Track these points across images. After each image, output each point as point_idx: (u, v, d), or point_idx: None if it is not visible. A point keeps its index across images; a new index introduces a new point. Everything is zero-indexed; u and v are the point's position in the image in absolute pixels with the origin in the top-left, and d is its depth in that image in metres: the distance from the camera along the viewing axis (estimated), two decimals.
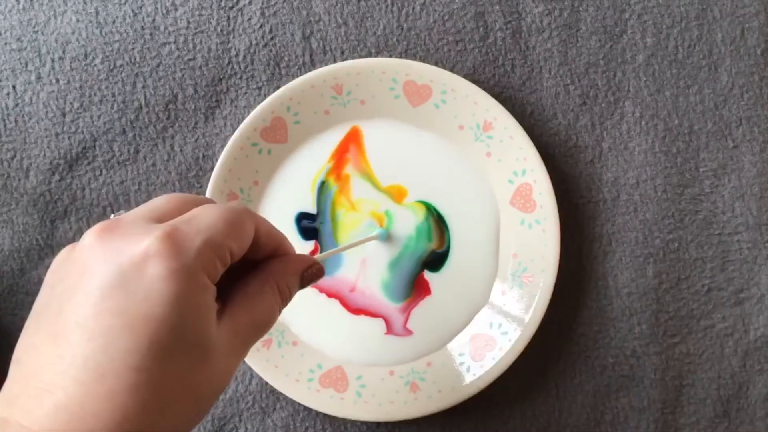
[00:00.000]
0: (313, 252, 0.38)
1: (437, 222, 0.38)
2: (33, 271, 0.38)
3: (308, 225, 0.38)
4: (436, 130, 0.38)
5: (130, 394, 0.19)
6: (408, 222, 0.38)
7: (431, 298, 0.38)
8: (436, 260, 0.38)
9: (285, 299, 0.26)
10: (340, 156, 0.38)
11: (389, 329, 0.38)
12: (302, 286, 0.27)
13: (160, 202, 0.24)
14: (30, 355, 0.21)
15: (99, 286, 0.20)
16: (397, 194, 0.38)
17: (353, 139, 0.38)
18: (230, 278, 0.25)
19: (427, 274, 0.38)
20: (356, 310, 0.38)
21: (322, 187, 0.38)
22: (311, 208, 0.38)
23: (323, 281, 0.38)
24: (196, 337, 0.21)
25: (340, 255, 0.38)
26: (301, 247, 0.38)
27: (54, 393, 0.19)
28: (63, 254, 0.23)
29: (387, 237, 0.38)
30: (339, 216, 0.38)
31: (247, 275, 0.25)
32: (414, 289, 0.38)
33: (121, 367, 0.19)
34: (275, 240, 0.26)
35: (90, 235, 0.22)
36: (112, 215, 0.26)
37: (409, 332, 0.38)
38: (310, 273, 0.27)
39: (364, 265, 0.38)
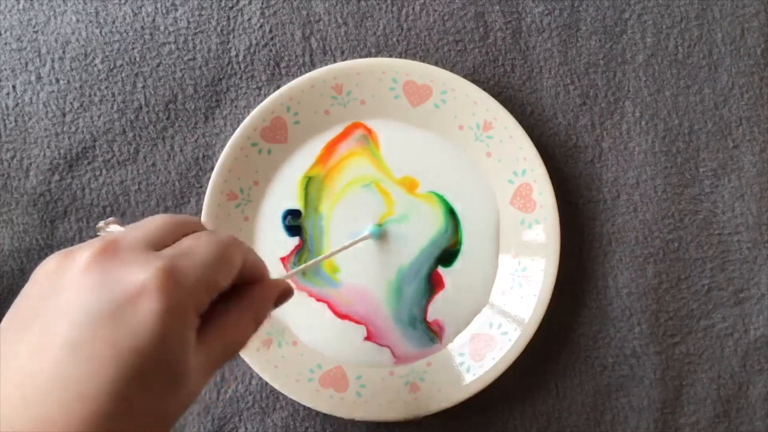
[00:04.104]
0: (297, 247, 0.38)
1: (453, 219, 0.38)
2: (33, 271, 0.38)
3: (292, 222, 0.38)
4: (436, 130, 0.38)
5: (107, 420, 0.20)
6: (423, 217, 0.38)
7: (444, 292, 0.38)
8: (448, 257, 0.38)
9: (259, 326, 0.27)
10: (329, 149, 0.38)
11: (369, 335, 0.38)
12: (274, 308, 0.28)
13: (154, 226, 0.25)
14: (11, 364, 0.21)
15: (92, 312, 0.21)
16: (409, 186, 0.38)
17: (361, 131, 0.38)
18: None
19: (441, 269, 0.38)
20: (343, 315, 0.38)
21: (308, 182, 0.38)
22: (299, 206, 0.38)
23: (327, 287, 0.38)
24: (175, 369, 0.22)
25: (348, 255, 0.38)
26: (286, 243, 0.38)
27: (33, 407, 0.20)
28: (53, 265, 0.23)
29: (380, 234, 0.38)
30: (325, 210, 0.38)
31: (226, 301, 0.26)
32: (431, 284, 0.38)
33: (102, 394, 0.20)
34: (257, 268, 0.27)
35: (88, 256, 0.22)
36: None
37: (435, 324, 0.38)
38: (282, 297, 0.28)
39: (373, 265, 0.38)
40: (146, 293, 0.21)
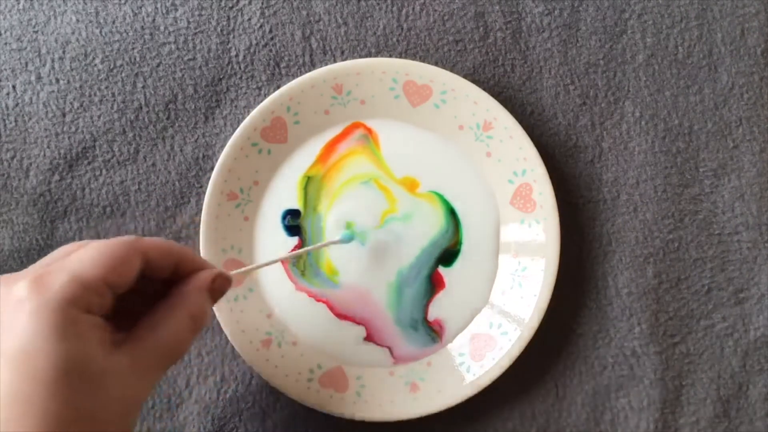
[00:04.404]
0: (297, 247, 0.38)
1: (454, 219, 0.38)
2: None
3: (291, 222, 0.38)
4: (436, 130, 0.38)
5: (25, 422, 0.22)
6: (424, 216, 0.38)
7: (445, 292, 0.38)
8: (449, 257, 0.38)
9: (198, 320, 0.28)
10: (329, 149, 0.38)
11: (369, 336, 0.38)
12: (214, 299, 0.29)
13: (59, 250, 0.27)
14: None
15: None
16: (410, 185, 0.38)
17: (362, 131, 0.38)
18: (149, 303, 0.27)
19: (441, 269, 0.38)
20: (342, 315, 0.38)
21: (308, 181, 0.38)
22: (299, 205, 0.38)
23: (327, 288, 0.38)
24: (77, 367, 0.23)
25: (356, 259, 0.38)
26: (286, 243, 0.38)
27: None
28: None
29: (352, 239, 0.37)
30: (323, 209, 0.38)
31: (157, 302, 0.27)
32: (432, 284, 0.38)
33: (10, 399, 0.22)
34: (173, 259, 0.28)
35: None
36: None
37: (436, 323, 0.38)
38: (218, 285, 0.29)
39: (375, 266, 0.38)
40: (21, 299, 0.23)
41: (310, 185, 0.38)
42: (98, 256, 0.25)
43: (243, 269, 0.32)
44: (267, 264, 0.34)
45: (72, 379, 0.23)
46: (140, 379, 0.25)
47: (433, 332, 0.38)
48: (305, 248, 0.36)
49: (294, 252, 0.35)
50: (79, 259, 0.25)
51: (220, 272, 0.29)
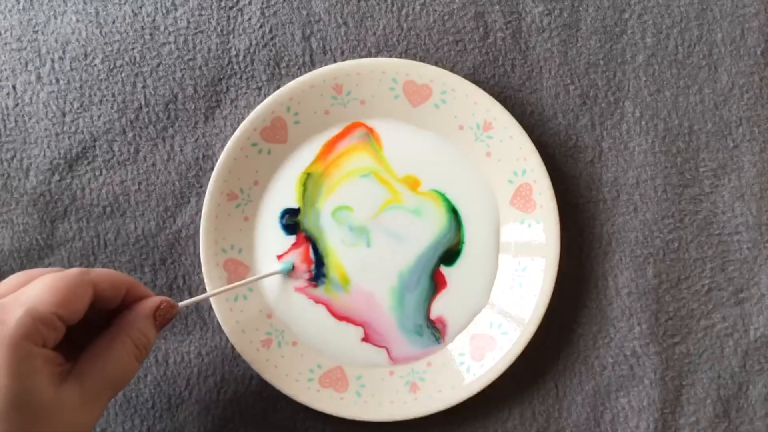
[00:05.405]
0: (295, 245, 0.38)
1: (455, 218, 0.38)
2: None
3: (290, 221, 0.38)
4: (436, 130, 0.38)
5: None
6: (428, 215, 0.38)
7: (447, 291, 0.38)
8: (450, 256, 0.38)
9: (142, 347, 0.28)
10: (329, 147, 0.38)
11: (367, 337, 0.38)
12: (159, 326, 0.29)
13: (10, 280, 0.27)
14: None
15: None
16: (411, 184, 0.38)
17: (363, 130, 0.38)
18: (94, 330, 0.28)
19: (443, 268, 0.38)
20: (341, 317, 0.38)
21: (307, 178, 0.38)
22: (298, 203, 0.38)
23: (338, 294, 0.38)
24: (26, 400, 0.24)
25: (362, 265, 0.38)
26: (283, 241, 0.38)
27: None
28: None
29: (290, 270, 0.38)
30: (323, 204, 0.38)
31: (102, 329, 0.28)
32: (434, 283, 0.38)
33: None
34: (121, 289, 0.29)
35: None
36: None
37: (439, 321, 0.38)
38: (163, 312, 0.29)
39: (379, 268, 0.38)
40: None
41: (309, 181, 0.38)
42: (52, 289, 0.25)
43: (191, 300, 0.32)
44: (208, 296, 0.34)
45: (22, 413, 0.23)
46: (87, 409, 0.26)
47: (437, 331, 0.38)
48: (238, 282, 0.36)
49: (227, 287, 0.35)
50: (33, 293, 0.25)
51: (164, 299, 0.30)
